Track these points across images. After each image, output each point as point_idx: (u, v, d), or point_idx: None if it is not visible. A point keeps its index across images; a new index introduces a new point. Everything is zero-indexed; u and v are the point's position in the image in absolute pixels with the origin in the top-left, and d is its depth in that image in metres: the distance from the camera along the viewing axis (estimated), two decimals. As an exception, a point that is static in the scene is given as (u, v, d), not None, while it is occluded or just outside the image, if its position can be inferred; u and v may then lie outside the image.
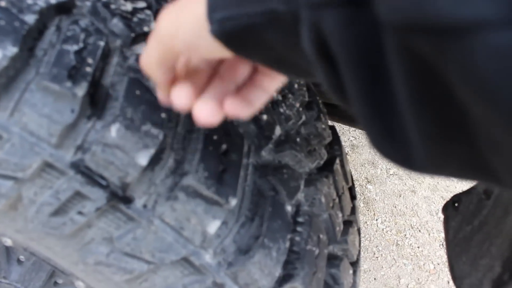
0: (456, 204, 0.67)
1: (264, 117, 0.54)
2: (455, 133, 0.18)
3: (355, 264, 0.67)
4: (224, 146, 0.48)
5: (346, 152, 2.35)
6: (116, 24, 0.53)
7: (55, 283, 0.75)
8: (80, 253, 0.49)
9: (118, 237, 0.46)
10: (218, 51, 0.27)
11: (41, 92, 0.46)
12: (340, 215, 0.62)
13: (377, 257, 1.85)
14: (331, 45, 0.20)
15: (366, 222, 1.97)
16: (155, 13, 0.57)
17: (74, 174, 0.44)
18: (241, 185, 0.47)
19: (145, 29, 0.53)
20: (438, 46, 0.15)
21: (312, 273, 0.52)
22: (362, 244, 1.88)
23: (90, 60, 0.49)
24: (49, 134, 0.45)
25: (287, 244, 0.48)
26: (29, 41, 0.48)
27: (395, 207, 2.10)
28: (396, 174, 2.29)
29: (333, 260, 0.60)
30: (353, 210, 0.70)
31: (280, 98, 0.59)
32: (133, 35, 0.51)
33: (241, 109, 0.32)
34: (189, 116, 0.49)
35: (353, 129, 2.50)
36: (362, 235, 1.92)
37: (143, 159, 0.42)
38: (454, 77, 0.15)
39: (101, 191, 0.44)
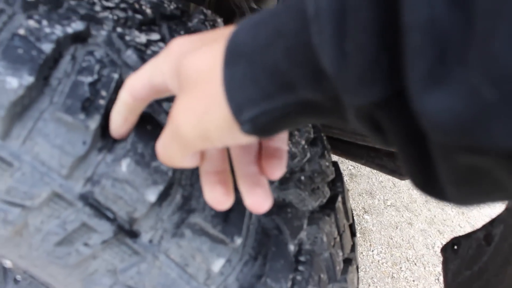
0: (455, 247, 0.67)
1: (271, 154, 0.55)
2: (491, 190, 0.18)
3: (353, 303, 0.66)
4: (230, 183, 0.49)
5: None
6: (130, 55, 0.55)
7: (51, 307, 0.74)
8: (83, 282, 0.49)
9: (122, 269, 0.46)
10: (245, 139, 0.26)
11: (54, 122, 0.47)
12: (340, 253, 0.62)
13: (372, 289, 1.83)
14: (380, 122, 0.20)
15: (362, 253, 1.96)
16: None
17: (82, 206, 0.45)
18: (246, 224, 0.47)
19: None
20: (488, 159, 0.15)
21: (312, 313, 0.52)
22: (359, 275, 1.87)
23: (103, 93, 0.50)
24: (60, 165, 0.45)
25: (289, 284, 0.48)
26: (45, 70, 0.49)
27: (391, 238, 2.09)
28: (393, 206, 2.29)
29: (332, 299, 0.60)
30: (353, 247, 0.70)
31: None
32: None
33: (277, 170, 0.32)
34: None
35: (352, 157, 2.51)
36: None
37: (152, 195, 0.43)
38: (504, 176, 0.16)
39: (108, 224, 0.45)
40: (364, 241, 2.03)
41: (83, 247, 0.46)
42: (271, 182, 0.54)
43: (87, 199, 0.45)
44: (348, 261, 0.66)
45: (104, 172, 0.45)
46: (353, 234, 0.72)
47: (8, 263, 0.67)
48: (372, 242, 2.04)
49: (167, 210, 0.45)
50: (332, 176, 0.67)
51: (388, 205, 2.29)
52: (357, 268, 0.73)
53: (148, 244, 0.45)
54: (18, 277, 0.80)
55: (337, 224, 0.63)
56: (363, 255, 1.96)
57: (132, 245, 0.45)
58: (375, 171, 2.33)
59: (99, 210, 0.45)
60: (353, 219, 0.74)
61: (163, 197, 0.45)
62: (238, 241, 0.45)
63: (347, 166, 2.44)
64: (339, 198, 0.66)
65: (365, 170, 2.42)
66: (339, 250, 0.62)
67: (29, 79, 0.47)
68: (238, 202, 0.48)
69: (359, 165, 2.48)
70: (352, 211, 0.75)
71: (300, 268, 0.52)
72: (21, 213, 0.47)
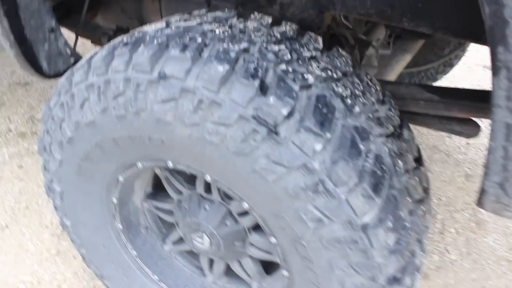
0: None
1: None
2: None
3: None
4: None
5: (461, 180, 2.57)
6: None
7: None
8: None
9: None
10: None
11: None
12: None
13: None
14: None
15: (476, 239, 2.17)
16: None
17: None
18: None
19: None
20: None
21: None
22: (472, 257, 2.09)
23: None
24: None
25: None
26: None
27: (508, 228, 2.25)
28: (510, 201, 2.43)
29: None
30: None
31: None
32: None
33: None
34: None
35: (468, 160, 2.71)
36: (471, 250, 2.12)
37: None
38: None
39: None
40: (479, 229, 2.23)
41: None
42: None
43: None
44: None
45: None
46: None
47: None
48: (487, 230, 2.23)
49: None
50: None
51: (505, 200, 2.43)
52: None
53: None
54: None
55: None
56: (477, 242, 2.17)
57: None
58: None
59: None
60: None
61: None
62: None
63: (463, 168, 2.65)
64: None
65: (480, 170, 2.61)
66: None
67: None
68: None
69: (475, 165, 2.66)
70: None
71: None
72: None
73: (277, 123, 0.86)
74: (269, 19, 1.07)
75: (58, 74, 1.42)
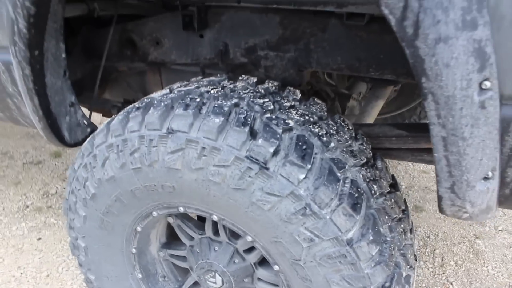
0: None
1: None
2: None
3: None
4: None
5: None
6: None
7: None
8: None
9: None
10: None
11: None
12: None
13: (488, 295, 2.11)
14: None
15: (476, 269, 2.27)
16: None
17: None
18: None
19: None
20: None
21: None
22: (474, 286, 2.17)
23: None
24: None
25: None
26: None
27: (506, 256, 2.35)
28: (505, 230, 2.55)
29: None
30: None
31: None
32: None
33: None
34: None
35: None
36: (473, 280, 2.20)
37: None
38: None
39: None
40: (477, 259, 2.33)
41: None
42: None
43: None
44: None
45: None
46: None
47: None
48: (485, 260, 2.33)
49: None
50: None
51: (499, 230, 2.55)
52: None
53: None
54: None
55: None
56: (477, 271, 2.26)
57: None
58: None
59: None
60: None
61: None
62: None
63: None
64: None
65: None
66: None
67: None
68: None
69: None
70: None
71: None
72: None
73: (267, 159, 1.05)
74: (254, 79, 1.31)
75: (77, 143, 1.63)
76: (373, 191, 1.14)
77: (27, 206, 2.84)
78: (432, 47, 0.82)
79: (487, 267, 2.29)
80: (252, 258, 1.35)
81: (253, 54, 1.62)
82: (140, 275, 1.53)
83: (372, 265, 1.08)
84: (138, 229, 1.41)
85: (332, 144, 1.13)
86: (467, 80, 0.82)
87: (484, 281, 2.20)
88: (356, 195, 1.09)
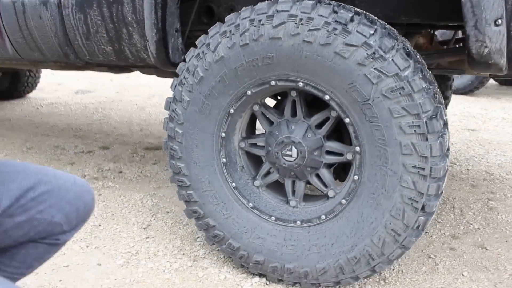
0: None
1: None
2: None
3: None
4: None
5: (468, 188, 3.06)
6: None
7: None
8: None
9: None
10: None
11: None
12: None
13: None
14: None
15: (492, 217, 2.59)
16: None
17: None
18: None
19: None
20: None
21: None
22: (492, 226, 2.48)
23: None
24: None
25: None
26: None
27: (515, 209, 2.69)
28: (513, 196, 2.91)
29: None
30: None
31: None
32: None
33: None
34: None
35: (471, 177, 3.23)
36: (490, 223, 2.52)
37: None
38: None
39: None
40: (492, 212, 2.67)
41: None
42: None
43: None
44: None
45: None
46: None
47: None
48: (499, 212, 2.67)
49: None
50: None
51: (509, 196, 2.91)
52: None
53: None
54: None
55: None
56: (493, 218, 2.59)
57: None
58: None
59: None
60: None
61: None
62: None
63: (466, 181, 3.16)
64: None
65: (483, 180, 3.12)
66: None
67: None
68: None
69: (477, 179, 3.18)
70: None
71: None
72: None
73: (347, 22, 1.52)
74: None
75: (174, 64, 2.08)
76: (418, 57, 1.59)
77: (84, 176, 3.17)
78: None
79: (501, 216, 2.62)
80: (323, 131, 1.75)
81: None
82: (224, 160, 1.89)
83: (423, 96, 1.49)
84: (231, 111, 1.81)
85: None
86: None
87: (499, 225, 2.53)
88: (408, 49, 1.54)
